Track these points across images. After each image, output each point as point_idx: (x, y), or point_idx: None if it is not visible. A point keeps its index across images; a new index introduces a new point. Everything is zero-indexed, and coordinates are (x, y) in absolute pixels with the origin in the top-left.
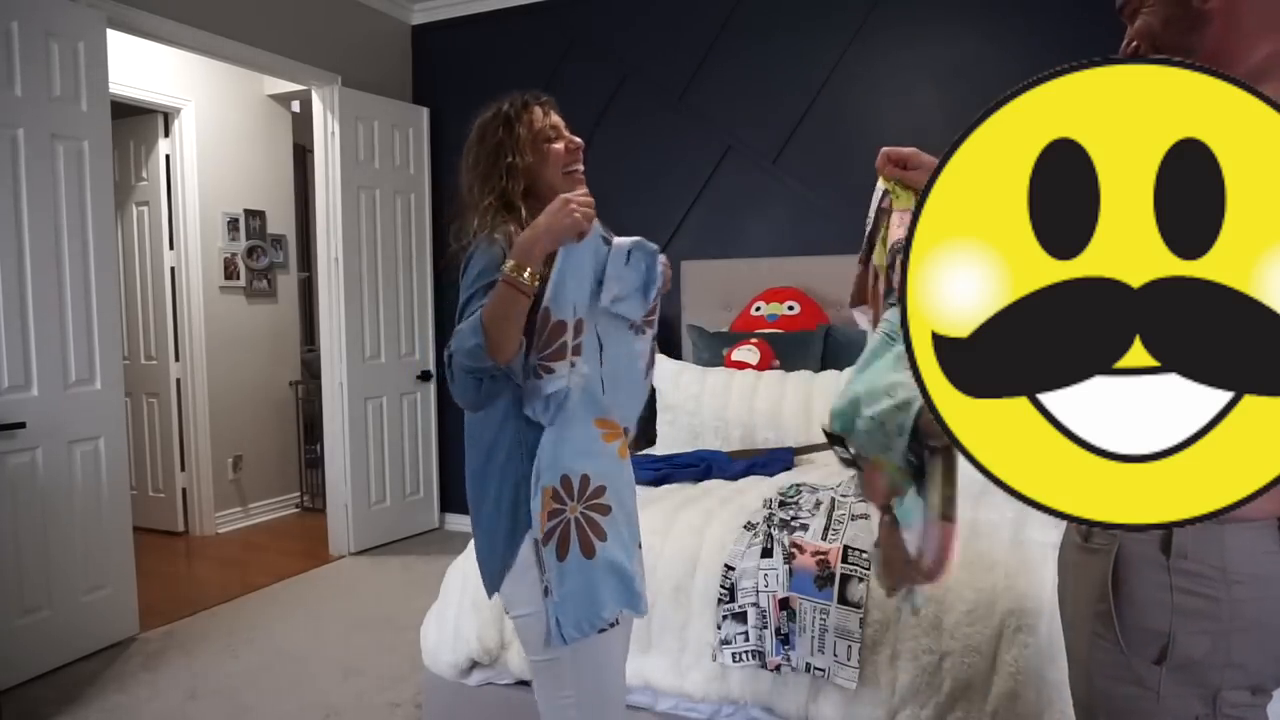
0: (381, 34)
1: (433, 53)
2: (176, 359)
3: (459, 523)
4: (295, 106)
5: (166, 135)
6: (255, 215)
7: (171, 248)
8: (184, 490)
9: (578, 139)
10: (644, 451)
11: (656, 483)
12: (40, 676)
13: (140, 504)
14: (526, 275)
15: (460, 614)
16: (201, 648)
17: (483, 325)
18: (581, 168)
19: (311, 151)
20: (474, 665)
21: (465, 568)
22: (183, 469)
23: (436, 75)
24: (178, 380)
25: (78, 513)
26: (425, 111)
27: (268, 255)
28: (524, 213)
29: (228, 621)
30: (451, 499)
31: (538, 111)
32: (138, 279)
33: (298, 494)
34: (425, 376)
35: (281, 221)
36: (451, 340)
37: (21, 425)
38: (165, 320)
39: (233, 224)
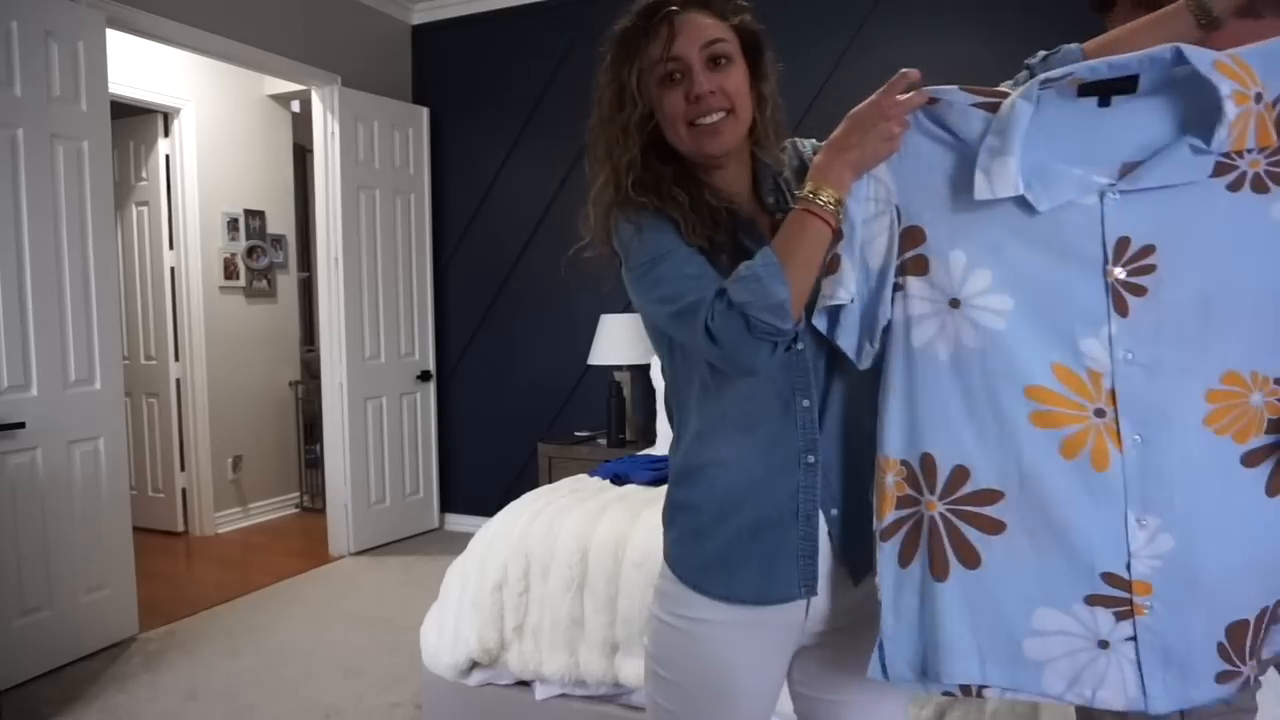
0: (381, 34)
1: (433, 53)
2: (176, 359)
3: (459, 523)
4: (295, 106)
5: (166, 135)
6: (255, 215)
7: (171, 248)
8: (184, 490)
9: (706, 85)
10: (644, 451)
11: (656, 483)
12: (40, 676)
13: (140, 504)
14: (831, 201)
15: (460, 614)
16: (201, 648)
17: (785, 271)
18: (716, 117)
19: (311, 151)
20: (474, 665)
21: (465, 568)
22: (183, 469)
23: (436, 75)
24: (178, 380)
25: (77, 513)
26: (425, 111)
27: (268, 255)
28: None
29: (228, 621)
30: (451, 499)
31: (662, 32)
32: (138, 279)
33: (298, 494)
34: (425, 376)
35: (281, 221)
36: (735, 289)
37: (21, 425)
38: (165, 320)
39: (233, 224)
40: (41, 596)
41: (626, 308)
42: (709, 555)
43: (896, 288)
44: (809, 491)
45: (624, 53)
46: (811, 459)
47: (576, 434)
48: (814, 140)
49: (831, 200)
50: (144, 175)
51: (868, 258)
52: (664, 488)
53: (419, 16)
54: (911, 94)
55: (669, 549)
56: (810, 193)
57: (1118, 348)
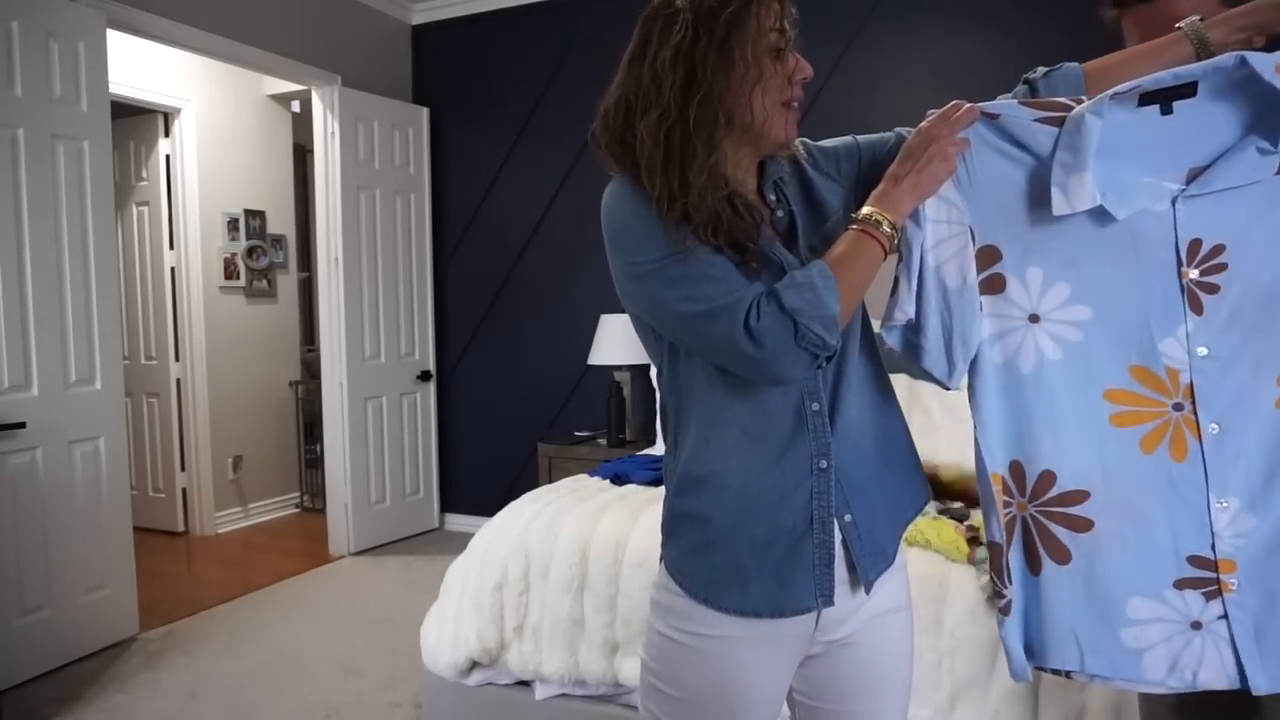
0: (381, 34)
1: (433, 53)
2: (176, 359)
3: (459, 523)
4: (295, 106)
5: (166, 135)
6: (255, 215)
7: (171, 248)
8: (184, 490)
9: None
10: (644, 451)
11: (656, 483)
12: (40, 676)
13: (140, 504)
14: (888, 226)
15: (460, 614)
16: (202, 648)
17: (839, 287)
18: (800, 101)
19: (311, 151)
20: (474, 665)
21: (465, 567)
22: (183, 469)
23: (436, 75)
24: (178, 380)
25: (78, 513)
26: (425, 111)
27: (268, 255)
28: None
29: (228, 621)
30: (451, 499)
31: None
32: (138, 279)
33: (298, 494)
34: (425, 376)
35: (281, 221)
36: (788, 295)
37: (21, 425)
38: (165, 320)
39: (233, 224)
40: (42, 596)
41: None
42: (720, 568)
43: (979, 307)
44: (823, 498)
45: (742, 15)
46: (824, 464)
47: (576, 434)
48: (805, 139)
49: (889, 225)
50: (144, 175)
51: (944, 278)
52: (663, 488)
53: (419, 16)
54: (961, 112)
55: (673, 561)
56: (869, 215)
57: (1194, 344)
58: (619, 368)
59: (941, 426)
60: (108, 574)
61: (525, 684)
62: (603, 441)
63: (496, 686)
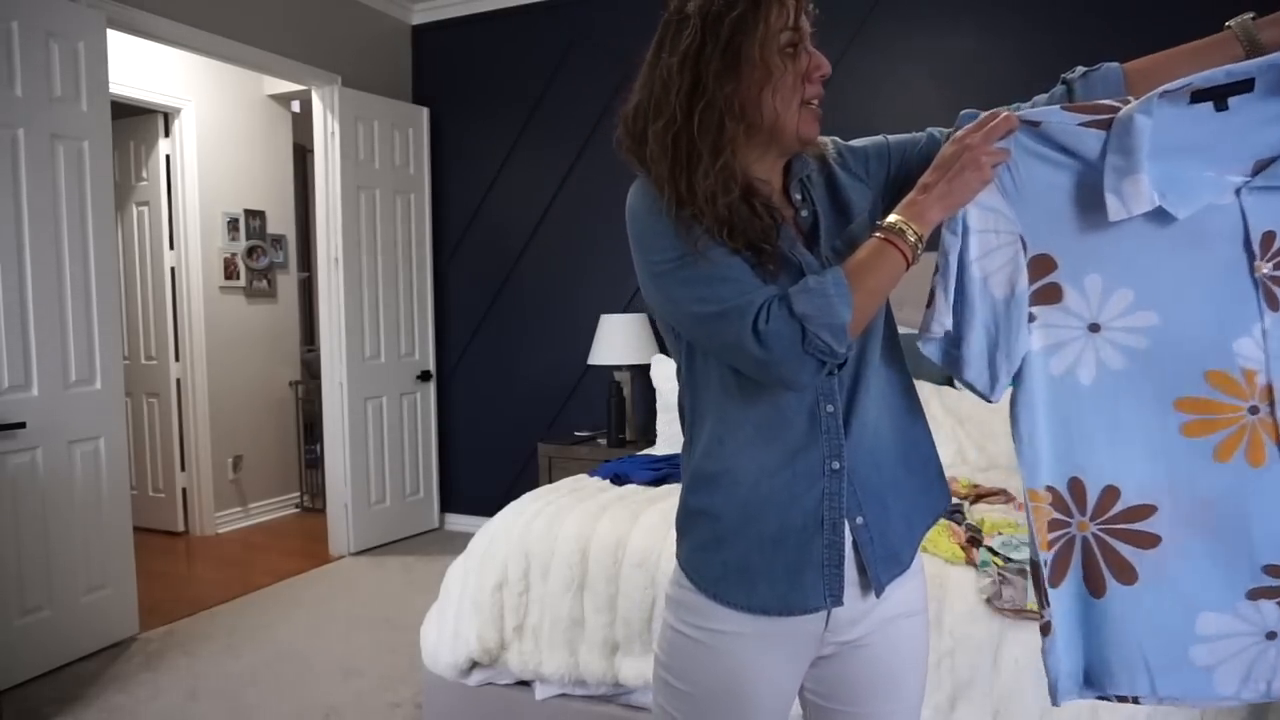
0: (381, 34)
1: (433, 53)
2: (176, 359)
3: (459, 523)
4: (295, 106)
5: (166, 135)
6: (255, 215)
7: (171, 248)
8: (184, 490)
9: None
10: (644, 451)
11: (656, 483)
12: (40, 676)
13: (140, 504)
14: (914, 235)
15: (460, 614)
16: (202, 648)
17: (853, 296)
18: (819, 99)
19: (311, 151)
20: (474, 665)
21: (465, 567)
22: (183, 469)
23: (436, 75)
24: (178, 380)
25: (78, 513)
26: (425, 111)
27: (268, 255)
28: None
29: (228, 621)
30: (451, 499)
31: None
32: (138, 279)
33: (298, 494)
34: (425, 376)
35: (281, 221)
36: (799, 300)
37: (21, 425)
38: (165, 320)
39: (233, 224)
40: (42, 596)
41: (626, 308)
42: (730, 564)
43: (1030, 318)
44: (834, 499)
45: (748, 17)
46: (836, 465)
47: (576, 434)
48: (835, 138)
49: (914, 235)
50: (144, 175)
51: (992, 290)
52: (664, 487)
53: (419, 16)
54: (997, 120)
55: (685, 557)
56: (893, 224)
57: (1271, 341)
58: (619, 368)
59: (941, 426)
60: (108, 574)
61: (525, 684)
62: (603, 441)
63: (496, 686)
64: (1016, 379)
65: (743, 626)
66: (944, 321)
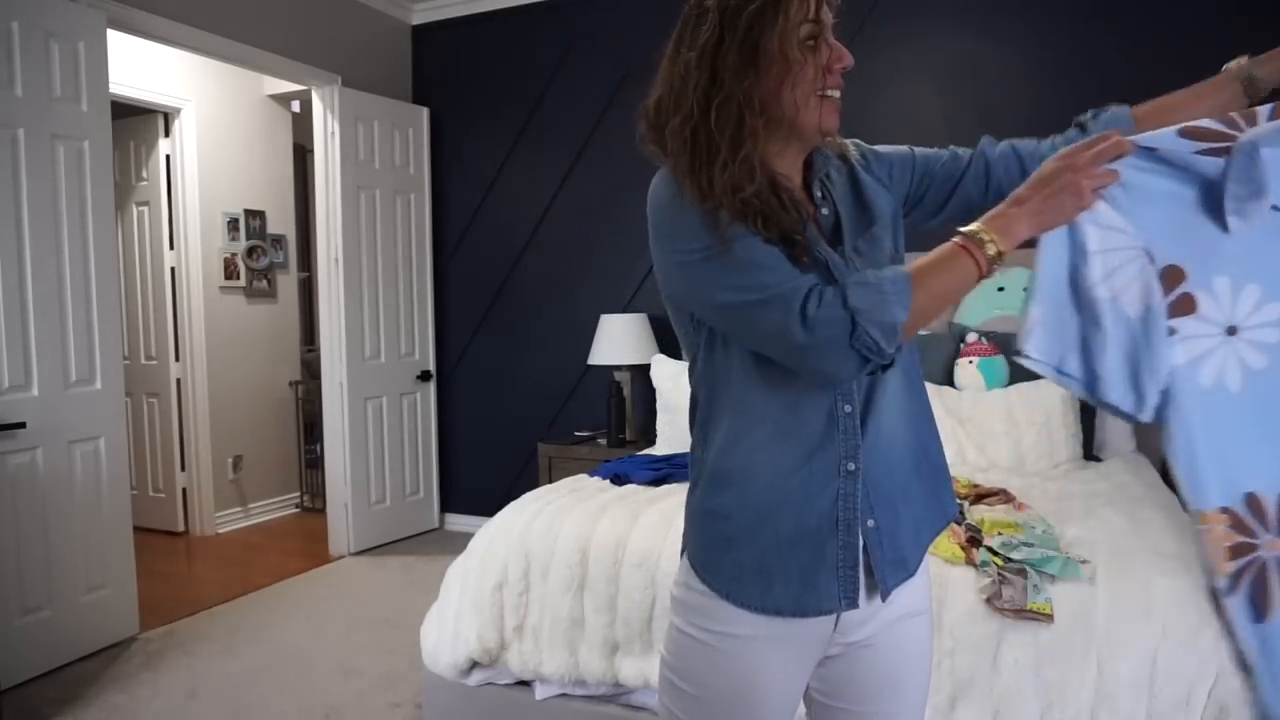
0: (381, 34)
1: (433, 53)
2: (176, 359)
3: (459, 523)
4: (295, 106)
5: (166, 135)
6: (255, 215)
7: (171, 248)
8: (184, 490)
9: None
10: (644, 451)
11: (656, 483)
12: (40, 676)
13: (140, 504)
14: (994, 248)
15: (460, 614)
16: (202, 648)
17: (913, 296)
18: (838, 91)
19: (311, 151)
20: (474, 665)
21: (465, 567)
22: (183, 469)
23: (436, 75)
24: (178, 380)
25: (78, 513)
26: (425, 111)
27: (268, 255)
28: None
29: (228, 621)
30: (451, 499)
31: None
32: (138, 279)
33: (298, 494)
34: (425, 376)
35: (281, 221)
36: (855, 292)
37: (21, 425)
38: (165, 320)
39: (233, 224)
40: (42, 596)
41: (626, 308)
42: (744, 565)
43: (1169, 332)
44: (849, 500)
45: (767, 11)
46: (852, 466)
47: (576, 434)
48: (858, 140)
49: (995, 249)
50: (144, 175)
51: (1124, 308)
52: (664, 488)
53: (419, 16)
54: (1108, 144)
55: (697, 556)
56: (975, 233)
57: None
58: (619, 368)
59: (941, 426)
60: (108, 574)
61: (525, 684)
62: (603, 441)
63: (496, 686)
64: (1165, 397)
65: (754, 628)
66: (1036, 343)
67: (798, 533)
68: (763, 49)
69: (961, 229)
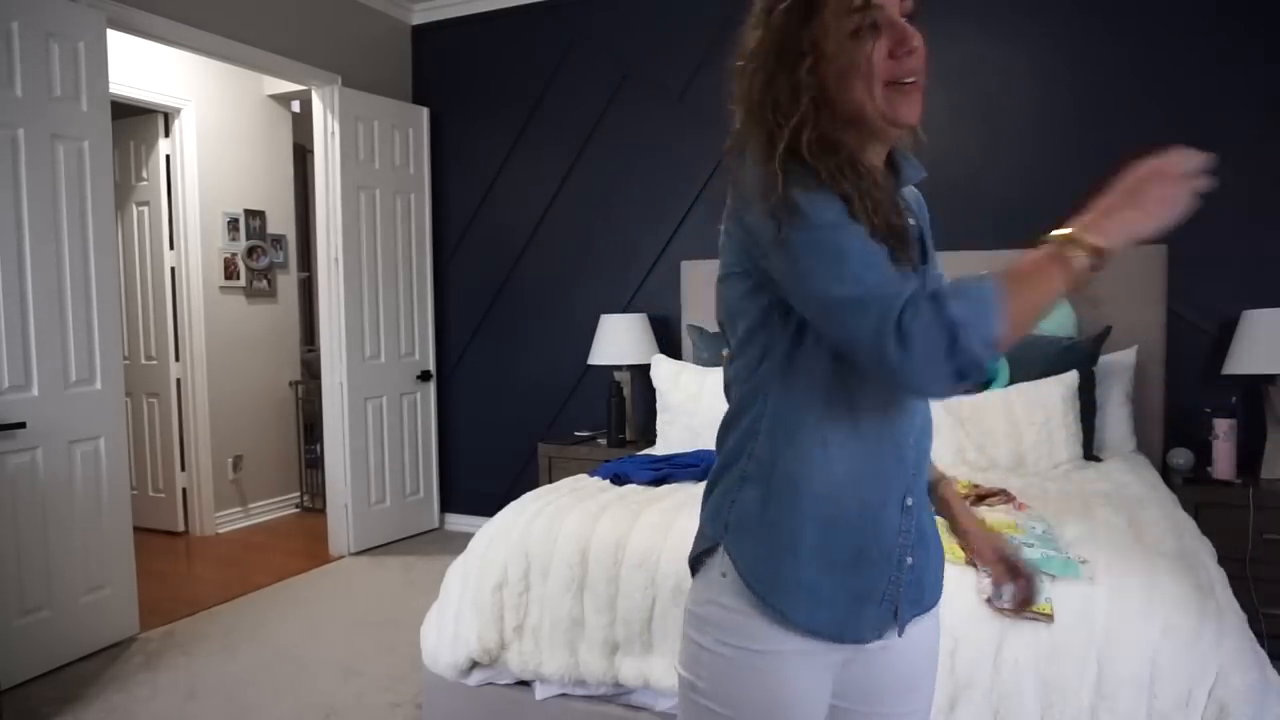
0: (381, 34)
1: (433, 53)
2: (176, 359)
3: (459, 523)
4: (295, 106)
5: (166, 135)
6: (255, 215)
7: (171, 248)
8: (184, 490)
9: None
10: (644, 451)
11: (656, 483)
12: (40, 676)
13: (140, 504)
14: (1087, 260)
15: (460, 614)
16: (201, 648)
17: (1009, 308)
18: (915, 77)
19: (311, 151)
20: (474, 665)
21: (465, 567)
22: (183, 469)
23: (436, 75)
24: (178, 380)
25: (78, 513)
26: (425, 111)
27: (268, 255)
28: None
29: (228, 621)
30: (451, 499)
31: None
32: (138, 279)
33: (298, 494)
34: (425, 376)
35: (281, 221)
36: (954, 302)
37: (21, 425)
38: (165, 320)
39: (233, 224)
40: (42, 596)
41: (626, 308)
42: (801, 581)
43: None
44: (906, 535)
45: (796, 10)
46: (909, 502)
47: (576, 434)
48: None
49: (1088, 261)
50: (144, 175)
51: None
52: (664, 488)
53: (419, 16)
54: (1183, 150)
55: (752, 569)
56: (1074, 239)
57: None
58: (619, 368)
59: (941, 426)
60: (108, 574)
61: (525, 684)
62: (603, 441)
63: (496, 686)
64: None
65: (786, 645)
66: None
67: (859, 560)
68: (818, 50)
69: (1055, 234)
